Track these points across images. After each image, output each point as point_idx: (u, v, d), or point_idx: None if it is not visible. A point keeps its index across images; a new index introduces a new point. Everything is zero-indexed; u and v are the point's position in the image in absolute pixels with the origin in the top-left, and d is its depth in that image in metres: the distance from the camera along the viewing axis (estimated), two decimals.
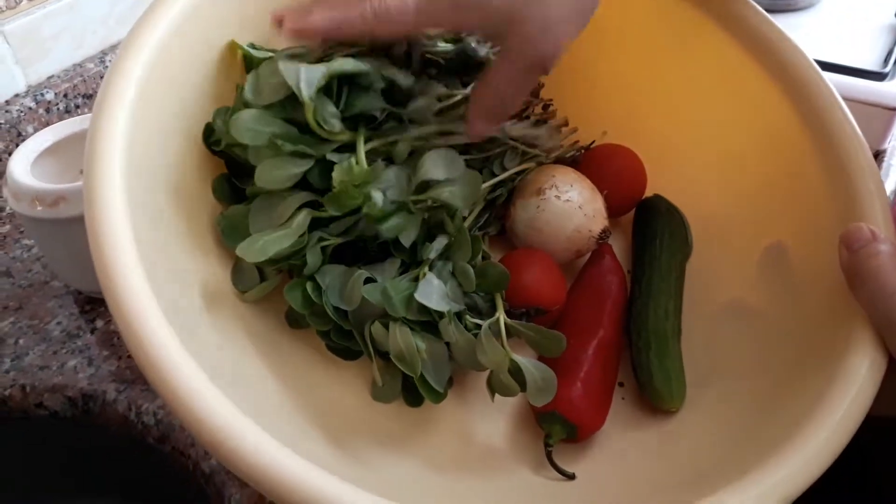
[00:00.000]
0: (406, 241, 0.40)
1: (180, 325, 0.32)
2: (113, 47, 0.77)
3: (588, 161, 0.50)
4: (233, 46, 0.43)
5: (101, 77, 0.75)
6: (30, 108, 0.67)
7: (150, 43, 0.38)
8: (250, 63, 0.44)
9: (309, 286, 0.39)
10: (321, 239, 0.40)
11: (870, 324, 0.34)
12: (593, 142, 0.53)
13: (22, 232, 0.63)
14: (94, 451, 0.53)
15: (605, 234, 0.47)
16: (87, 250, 0.33)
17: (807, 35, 0.73)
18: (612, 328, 0.45)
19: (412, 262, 0.42)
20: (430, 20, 0.39)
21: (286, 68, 0.38)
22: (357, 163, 0.39)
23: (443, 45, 0.48)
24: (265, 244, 0.38)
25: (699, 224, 0.50)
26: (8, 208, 0.63)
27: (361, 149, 0.40)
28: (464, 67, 0.48)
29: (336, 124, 0.39)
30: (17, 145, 0.55)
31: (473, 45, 0.48)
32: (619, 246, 0.51)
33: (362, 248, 0.42)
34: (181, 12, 0.40)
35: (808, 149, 0.44)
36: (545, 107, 0.53)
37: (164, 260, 0.36)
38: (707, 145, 0.51)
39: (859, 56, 0.68)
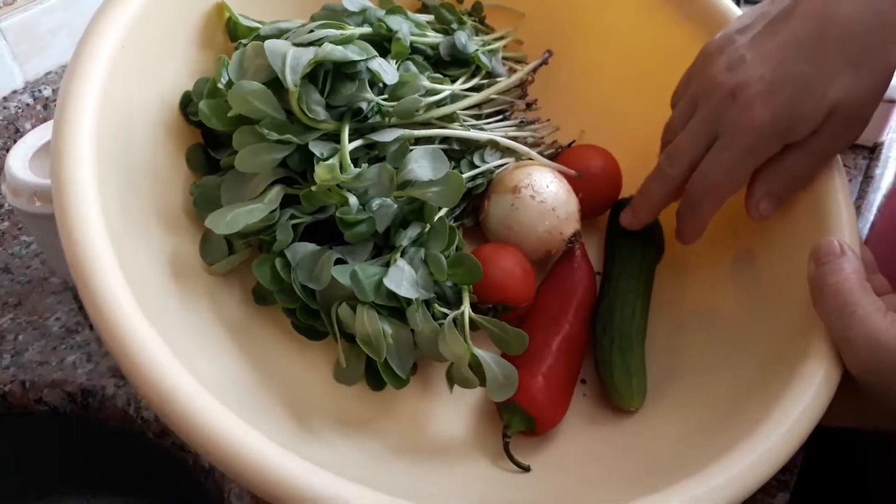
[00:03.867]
0: (381, 226, 0.40)
1: (143, 294, 0.31)
2: None
3: (564, 161, 0.50)
4: (220, 8, 0.43)
5: None
6: (27, 105, 0.66)
7: (133, 1, 0.38)
8: (234, 31, 0.44)
9: (278, 263, 0.39)
10: (293, 216, 0.40)
11: (827, 336, 0.35)
12: (573, 141, 0.53)
13: (20, 228, 0.63)
14: (94, 446, 0.53)
15: (575, 236, 0.47)
16: None
17: None
18: (577, 325, 0.45)
19: (385, 245, 0.42)
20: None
21: (272, 51, 0.38)
22: (342, 163, 0.39)
23: (432, 35, 0.48)
24: (235, 217, 0.37)
25: (671, 227, 0.49)
26: (6, 204, 0.63)
27: (346, 146, 0.39)
28: (452, 61, 0.49)
29: (320, 112, 0.39)
30: (15, 141, 0.56)
31: (463, 40, 0.48)
32: (592, 245, 0.52)
33: (335, 227, 0.41)
34: None
35: None
36: (528, 105, 0.53)
37: (134, 228, 0.36)
38: None
39: None
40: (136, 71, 0.38)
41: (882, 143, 0.67)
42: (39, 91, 0.67)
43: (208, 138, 0.42)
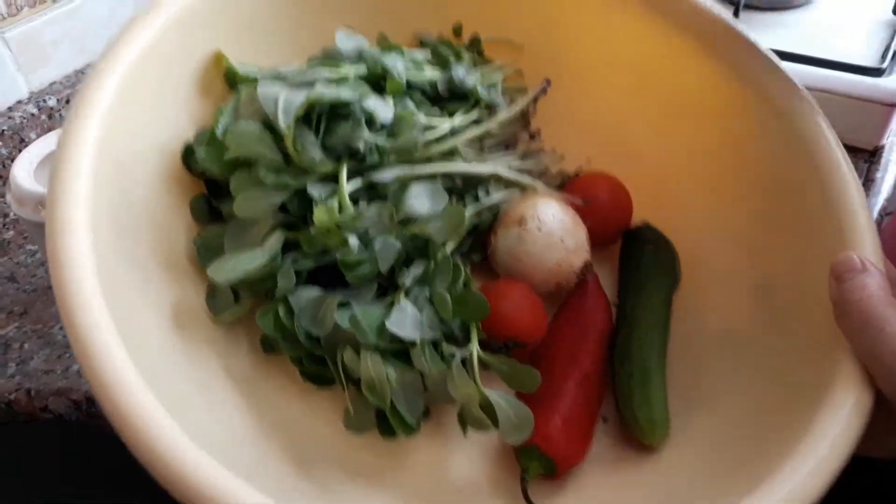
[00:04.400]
0: (384, 266, 0.39)
1: (140, 346, 0.31)
2: None
3: (572, 190, 0.49)
4: (218, 58, 0.43)
5: None
6: (32, 115, 0.67)
7: (131, 51, 0.38)
8: (233, 79, 0.43)
9: (281, 310, 0.38)
10: (296, 261, 0.39)
11: (855, 357, 0.33)
12: (578, 170, 0.52)
13: (26, 237, 0.63)
14: (99, 453, 0.52)
15: (586, 268, 0.46)
16: None
17: (804, 31, 0.73)
18: (594, 360, 0.43)
19: (390, 284, 0.41)
20: None
21: (264, 95, 0.38)
22: (341, 203, 0.38)
23: (430, 72, 0.48)
24: (235, 264, 0.37)
25: (687, 253, 0.48)
26: (12, 214, 0.64)
27: (344, 186, 0.39)
28: (451, 96, 0.48)
29: (316, 153, 0.39)
30: (20, 151, 0.56)
31: (461, 74, 0.48)
32: (605, 276, 0.50)
33: (339, 271, 0.41)
34: (166, 22, 0.40)
35: (799, 181, 0.43)
36: (532, 136, 0.52)
37: (133, 278, 0.35)
38: (696, 174, 0.50)
39: (857, 52, 0.68)
40: (134, 120, 0.38)
41: (882, 147, 0.66)
42: (44, 101, 0.68)
43: (211, 188, 0.42)
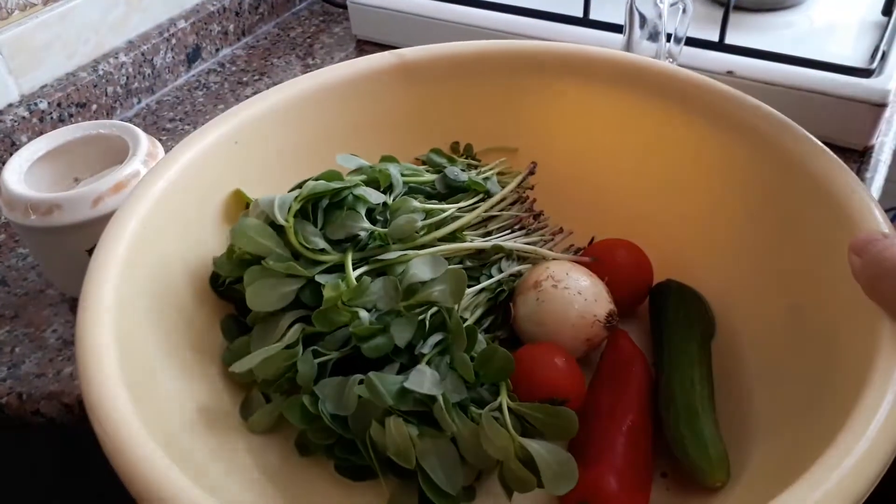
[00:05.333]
0: (400, 341, 0.40)
1: (182, 461, 0.32)
2: (105, 56, 0.77)
3: (587, 255, 0.50)
4: (238, 195, 0.47)
5: (95, 86, 0.75)
6: (23, 118, 0.68)
7: (158, 186, 0.42)
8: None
9: (306, 399, 0.39)
10: (318, 353, 0.40)
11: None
12: (592, 239, 0.53)
13: (17, 241, 0.63)
14: (92, 457, 0.53)
15: (611, 317, 0.45)
16: (82, 258, 0.35)
17: (794, 32, 0.74)
18: (639, 412, 0.42)
19: (411, 364, 0.41)
20: None
21: (264, 199, 0.42)
22: (347, 282, 0.40)
23: (427, 176, 0.51)
24: (253, 356, 0.39)
25: (717, 300, 0.48)
26: (2, 217, 0.64)
27: (349, 267, 0.41)
28: (448, 192, 0.51)
29: (319, 242, 0.42)
30: (11, 154, 0.56)
31: (456, 171, 0.51)
32: (639, 336, 0.49)
33: (362, 361, 0.41)
34: (190, 159, 0.44)
35: (812, 214, 0.43)
36: (536, 217, 0.54)
37: (168, 395, 0.37)
38: (710, 226, 0.50)
39: (846, 53, 0.69)
40: (165, 238, 0.42)
41: (872, 147, 0.66)
42: (35, 104, 0.69)
43: (240, 307, 0.44)
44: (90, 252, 0.38)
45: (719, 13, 0.69)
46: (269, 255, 0.41)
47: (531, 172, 0.54)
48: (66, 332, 0.55)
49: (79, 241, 0.50)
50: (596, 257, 0.49)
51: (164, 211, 0.42)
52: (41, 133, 0.65)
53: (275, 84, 0.52)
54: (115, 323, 0.36)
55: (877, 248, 0.33)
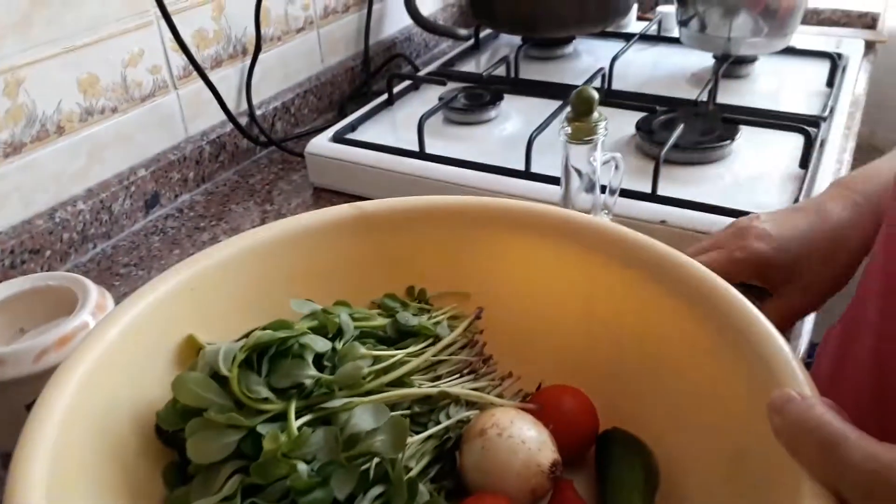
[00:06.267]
0: (340, 494, 0.40)
1: None
2: (63, 204, 0.79)
3: (534, 402, 0.51)
4: (191, 340, 0.47)
5: (50, 233, 0.76)
6: None
7: (109, 336, 0.42)
8: None
9: None
10: None
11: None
12: (539, 385, 0.54)
13: None
14: None
15: (555, 467, 0.46)
16: (21, 413, 0.34)
17: (722, 184, 0.79)
18: None
19: None
20: None
21: (210, 349, 0.43)
22: (286, 432, 0.40)
23: (378, 321, 0.53)
24: None
25: (662, 448, 0.49)
26: None
27: (292, 417, 0.42)
28: (399, 336, 0.52)
29: (262, 391, 0.42)
30: None
31: (407, 316, 0.53)
32: (586, 484, 0.50)
33: None
34: (143, 308, 0.45)
35: (743, 369, 0.44)
36: (485, 361, 0.55)
37: None
38: (656, 374, 0.51)
39: (769, 203, 0.74)
40: (112, 388, 0.42)
41: None
42: None
43: (185, 456, 0.43)
44: (29, 408, 0.38)
45: (652, 166, 0.74)
46: (211, 407, 0.41)
47: (477, 317, 0.56)
48: None
49: (19, 396, 0.49)
50: (542, 405, 0.50)
51: (112, 361, 0.42)
52: None
53: (232, 229, 0.53)
54: (48, 482, 0.35)
55: (798, 408, 0.34)
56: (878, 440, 0.31)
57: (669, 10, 1.23)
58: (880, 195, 0.57)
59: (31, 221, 0.76)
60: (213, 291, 0.50)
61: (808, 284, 0.57)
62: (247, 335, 0.45)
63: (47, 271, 0.76)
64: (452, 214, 0.58)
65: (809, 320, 0.67)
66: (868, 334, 0.52)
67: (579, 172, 0.64)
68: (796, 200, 0.73)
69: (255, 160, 1.02)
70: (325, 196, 0.92)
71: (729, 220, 0.70)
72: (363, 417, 0.42)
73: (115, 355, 0.42)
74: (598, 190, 0.65)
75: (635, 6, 1.33)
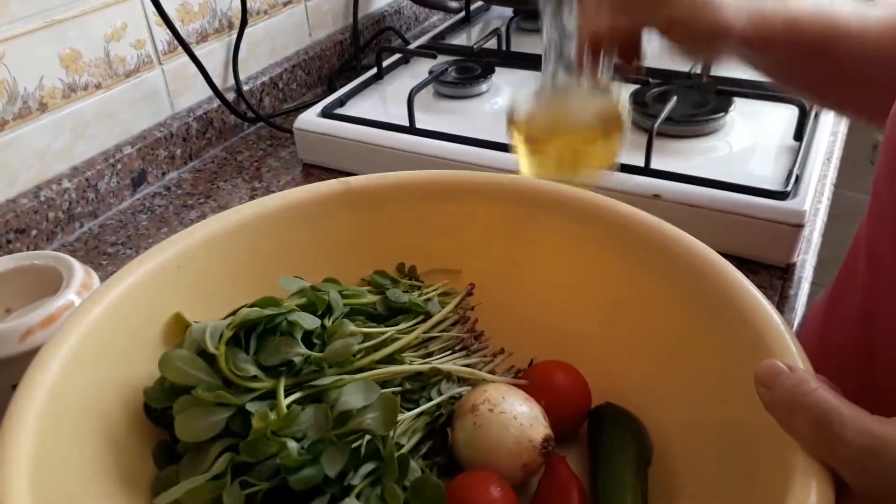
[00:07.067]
0: (331, 471, 0.39)
1: None
2: (48, 182, 0.78)
3: (526, 377, 0.50)
4: (178, 319, 0.47)
5: (35, 212, 0.75)
6: None
7: (94, 314, 0.42)
8: None
9: None
10: (247, 484, 0.39)
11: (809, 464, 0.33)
12: (532, 361, 0.54)
13: None
14: None
15: (547, 442, 0.45)
16: (6, 394, 0.34)
17: (715, 157, 0.79)
18: None
19: (342, 495, 0.40)
20: None
21: (196, 328, 0.42)
22: (278, 411, 0.40)
23: (369, 297, 0.52)
24: (179, 487, 0.38)
25: (655, 422, 0.48)
26: None
27: (281, 395, 0.41)
28: (390, 313, 0.52)
29: (251, 369, 0.41)
30: None
31: (397, 293, 0.52)
32: (578, 459, 0.49)
33: (293, 491, 0.40)
34: (129, 286, 0.44)
35: (736, 343, 0.43)
36: (477, 337, 0.55)
37: None
38: (649, 349, 0.51)
39: (764, 176, 0.73)
40: (99, 366, 0.41)
41: (794, 265, 0.69)
42: None
43: (174, 434, 0.42)
44: (14, 388, 0.37)
45: (645, 139, 0.73)
46: (199, 385, 0.40)
47: (469, 293, 0.56)
48: None
49: (4, 377, 0.49)
50: (534, 380, 0.49)
51: (98, 339, 0.41)
52: None
53: (221, 206, 0.53)
54: (34, 463, 0.34)
55: (790, 381, 0.33)
56: (870, 412, 0.31)
57: None
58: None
59: (15, 200, 0.75)
60: (200, 269, 0.49)
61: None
62: (234, 313, 0.44)
63: (34, 251, 0.75)
64: (442, 189, 0.57)
65: (804, 293, 0.67)
66: (857, 293, 0.51)
67: (559, 48, 0.59)
68: (790, 173, 0.72)
69: (243, 136, 1.01)
70: (314, 172, 0.91)
71: (722, 192, 0.70)
72: (353, 395, 0.42)
73: (101, 334, 0.42)
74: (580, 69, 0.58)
75: None
